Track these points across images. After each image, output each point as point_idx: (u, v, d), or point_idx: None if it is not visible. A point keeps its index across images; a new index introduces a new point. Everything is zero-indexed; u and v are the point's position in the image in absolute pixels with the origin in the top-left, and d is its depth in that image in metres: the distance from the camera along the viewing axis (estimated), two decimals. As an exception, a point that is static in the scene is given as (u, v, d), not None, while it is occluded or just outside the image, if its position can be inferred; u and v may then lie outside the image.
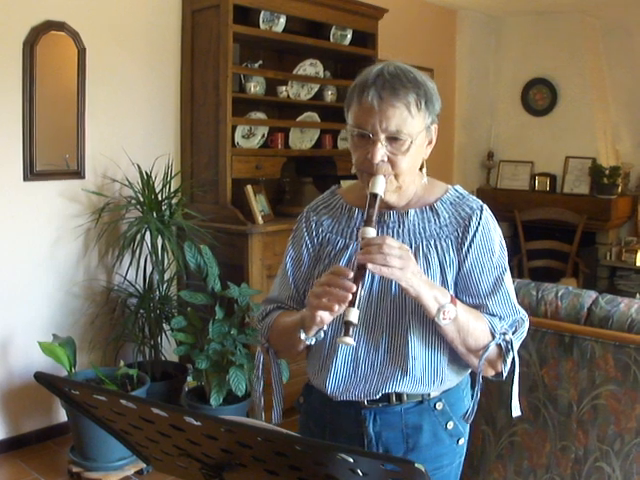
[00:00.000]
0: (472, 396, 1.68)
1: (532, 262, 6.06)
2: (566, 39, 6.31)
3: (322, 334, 1.54)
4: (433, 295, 1.47)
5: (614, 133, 6.53)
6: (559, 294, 2.52)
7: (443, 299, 1.48)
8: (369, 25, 4.81)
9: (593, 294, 2.50)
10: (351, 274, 1.42)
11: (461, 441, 1.67)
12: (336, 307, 1.42)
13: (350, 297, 1.40)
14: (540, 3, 5.98)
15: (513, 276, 1.65)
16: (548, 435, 2.44)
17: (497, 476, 2.57)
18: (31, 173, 3.57)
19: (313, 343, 1.56)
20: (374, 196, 1.50)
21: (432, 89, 1.55)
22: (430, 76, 6.08)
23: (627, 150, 6.48)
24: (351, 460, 0.98)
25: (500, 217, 1.68)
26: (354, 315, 1.41)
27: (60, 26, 3.59)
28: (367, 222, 1.48)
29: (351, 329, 1.41)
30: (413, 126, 1.50)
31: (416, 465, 0.93)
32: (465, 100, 6.62)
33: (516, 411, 1.62)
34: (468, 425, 1.71)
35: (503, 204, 6.23)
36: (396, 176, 1.53)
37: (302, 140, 4.65)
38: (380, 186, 1.50)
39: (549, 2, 5.89)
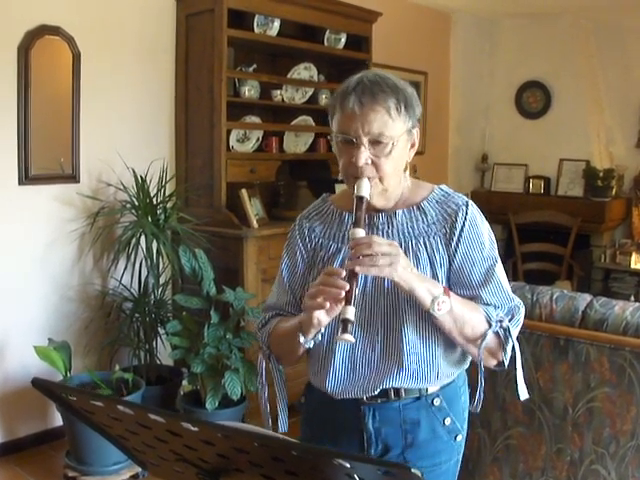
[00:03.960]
0: (469, 394, 1.70)
1: (526, 265, 6.07)
2: (560, 42, 6.33)
3: (319, 337, 1.57)
4: (426, 287, 1.50)
5: (608, 135, 6.54)
6: (554, 297, 2.53)
7: (436, 291, 1.51)
8: (363, 29, 4.82)
9: (588, 297, 2.51)
10: (343, 273, 1.46)
11: (459, 437, 1.70)
12: (328, 305, 1.45)
13: (343, 294, 1.44)
14: (534, 6, 6.00)
15: (507, 279, 1.67)
16: (543, 438, 2.45)
17: (493, 479, 2.58)
18: (26, 177, 3.56)
19: (312, 346, 1.59)
20: (360, 199, 1.55)
21: (411, 94, 1.60)
22: (424, 79, 6.03)
23: (621, 152, 6.49)
24: (348, 465, 0.98)
25: (494, 220, 1.71)
26: (351, 313, 1.44)
27: (55, 30, 3.58)
28: (356, 224, 1.53)
29: (349, 326, 1.44)
30: (394, 129, 1.55)
31: (412, 470, 0.94)
32: (459, 103, 6.64)
33: (523, 394, 1.65)
34: (466, 422, 1.73)
35: (497, 207, 6.23)
36: (381, 179, 1.58)
37: (296, 144, 4.65)
38: (365, 189, 1.55)
39: (543, 5, 5.91)
